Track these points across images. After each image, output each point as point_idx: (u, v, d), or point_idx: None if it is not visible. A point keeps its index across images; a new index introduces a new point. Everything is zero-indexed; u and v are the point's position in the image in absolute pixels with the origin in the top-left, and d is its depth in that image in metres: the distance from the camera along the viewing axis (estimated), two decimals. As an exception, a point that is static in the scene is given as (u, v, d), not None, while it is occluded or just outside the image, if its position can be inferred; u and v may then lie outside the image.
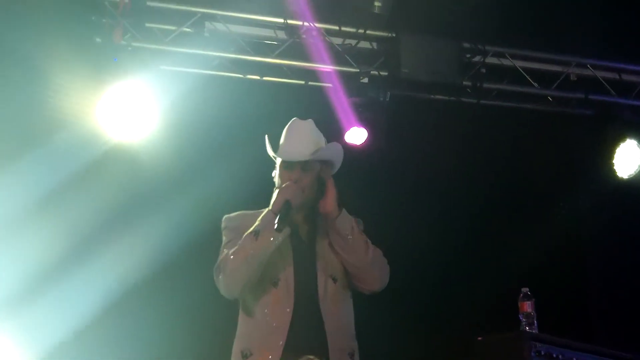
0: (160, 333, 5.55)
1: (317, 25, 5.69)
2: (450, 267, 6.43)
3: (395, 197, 6.35)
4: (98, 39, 5.23)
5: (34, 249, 5.30)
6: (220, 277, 3.27)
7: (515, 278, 4.92)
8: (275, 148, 3.47)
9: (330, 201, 3.29)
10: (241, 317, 3.35)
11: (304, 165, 3.37)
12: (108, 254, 5.51)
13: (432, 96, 5.99)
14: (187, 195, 5.65)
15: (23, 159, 5.21)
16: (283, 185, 3.31)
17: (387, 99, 5.84)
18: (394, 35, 5.75)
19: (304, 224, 3.43)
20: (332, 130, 5.86)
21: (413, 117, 6.11)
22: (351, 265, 3.29)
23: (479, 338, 4.28)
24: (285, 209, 3.20)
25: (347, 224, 3.28)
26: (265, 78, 5.74)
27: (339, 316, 3.27)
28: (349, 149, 5.89)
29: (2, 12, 4.98)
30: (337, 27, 5.77)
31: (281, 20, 5.61)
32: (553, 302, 5.08)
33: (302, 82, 5.84)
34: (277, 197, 3.26)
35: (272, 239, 3.18)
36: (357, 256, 3.26)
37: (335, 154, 3.47)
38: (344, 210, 3.32)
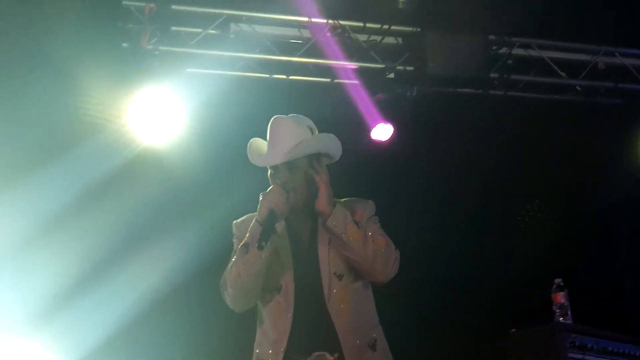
0: (193, 339, 5.58)
1: (342, 22, 5.70)
2: (482, 260, 6.41)
3: (422, 191, 6.35)
4: (125, 44, 5.28)
5: (64, 254, 5.35)
6: (224, 292, 3.25)
7: (548, 269, 4.90)
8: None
9: (321, 200, 3.16)
10: (257, 325, 3.32)
11: (289, 165, 3.21)
12: (138, 258, 5.55)
13: (459, 90, 5.97)
14: (216, 198, 5.68)
15: (54, 163, 5.28)
16: (267, 191, 3.18)
17: (414, 94, 5.84)
18: (419, 30, 5.73)
19: (304, 223, 3.30)
20: (359, 127, 5.90)
21: (440, 111, 6.10)
22: (352, 260, 3.19)
23: (513, 330, 4.27)
24: (269, 220, 3.09)
25: (340, 222, 3.14)
26: (291, 77, 5.75)
27: (350, 312, 3.18)
28: (375, 146, 5.93)
29: (32, 21, 5.05)
30: (361, 24, 5.77)
31: (305, 19, 5.62)
32: (586, 292, 5.05)
33: (328, 80, 5.85)
34: (260, 206, 3.14)
35: (260, 253, 3.10)
36: (355, 252, 3.15)
37: (321, 145, 3.27)
38: (337, 206, 3.18)
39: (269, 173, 3.29)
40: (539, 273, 5.35)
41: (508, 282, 6.12)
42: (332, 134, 3.32)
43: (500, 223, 6.50)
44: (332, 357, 3.11)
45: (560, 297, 4.27)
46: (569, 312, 4.24)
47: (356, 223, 3.19)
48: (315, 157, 3.25)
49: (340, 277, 3.20)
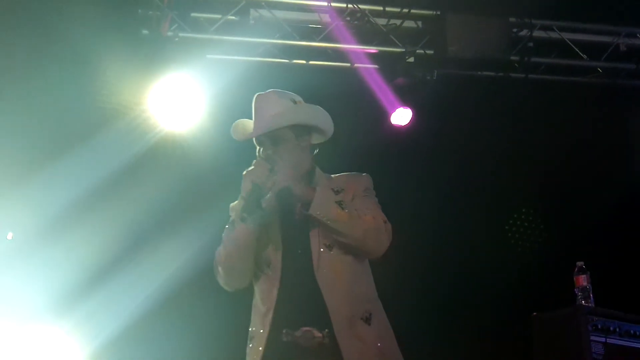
0: (216, 326, 5.61)
1: (361, 6, 5.69)
2: (502, 243, 6.41)
3: (443, 174, 6.35)
4: (145, 31, 5.31)
5: (85, 242, 5.40)
6: (216, 274, 3.20)
7: (570, 252, 4.88)
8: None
9: (295, 191, 3.06)
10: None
11: (273, 138, 3.13)
12: (159, 245, 5.58)
13: (480, 73, 5.95)
14: (236, 184, 5.69)
15: (75, 151, 5.33)
16: (250, 167, 3.11)
17: (434, 78, 5.82)
18: (438, 13, 5.71)
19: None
20: (379, 112, 5.89)
21: (460, 95, 6.08)
22: (342, 241, 3.10)
23: (534, 314, 4.26)
24: (252, 194, 3.02)
25: (324, 209, 3.03)
26: (311, 62, 5.76)
27: (340, 283, 3.04)
28: (395, 130, 5.92)
29: (51, 8, 5.09)
30: (381, 8, 5.75)
31: (325, 4, 5.61)
32: (608, 275, 5.03)
33: (348, 65, 5.84)
34: (244, 181, 3.09)
35: (245, 228, 3.05)
36: (343, 235, 3.05)
37: (302, 116, 3.16)
38: (317, 192, 3.04)
39: (257, 150, 3.22)
40: (561, 255, 5.34)
41: (529, 265, 6.12)
42: (318, 106, 3.23)
43: (521, 205, 6.49)
44: (320, 334, 2.99)
45: (582, 280, 4.25)
46: (591, 295, 4.22)
47: (340, 203, 3.08)
48: (305, 132, 3.17)
49: (330, 247, 3.08)
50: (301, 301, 3.05)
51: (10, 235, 5.45)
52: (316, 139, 3.28)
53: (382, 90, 5.86)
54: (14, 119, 5.31)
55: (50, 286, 5.26)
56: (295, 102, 3.20)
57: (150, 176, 5.55)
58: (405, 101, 5.93)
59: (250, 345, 3.12)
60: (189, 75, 5.35)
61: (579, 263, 4.31)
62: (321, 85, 5.62)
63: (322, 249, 3.08)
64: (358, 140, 5.87)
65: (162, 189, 5.60)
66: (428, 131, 6.17)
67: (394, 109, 5.96)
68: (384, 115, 5.97)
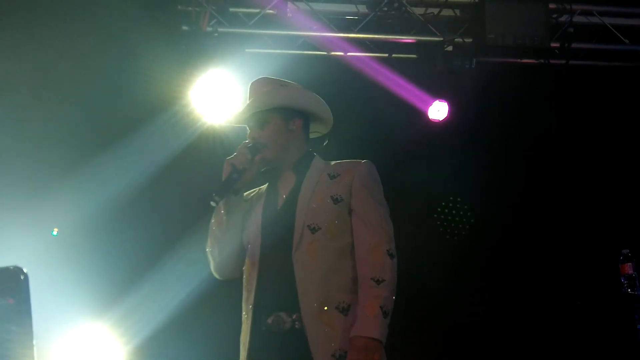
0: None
1: (398, -4, 5.68)
2: (548, 232, 6.37)
3: (485, 165, 6.33)
4: (185, 27, 5.37)
5: (131, 235, 5.47)
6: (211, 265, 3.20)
7: (616, 240, 4.85)
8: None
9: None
10: None
11: (259, 122, 3.10)
12: (204, 239, 5.62)
13: (520, 60, 5.90)
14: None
15: (119, 145, 5.40)
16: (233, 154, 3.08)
17: (473, 66, 5.80)
18: (477, 0, 5.68)
19: (287, 177, 3.13)
20: (417, 103, 5.90)
21: (499, 83, 6.04)
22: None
23: (579, 302, 4.25)
24: (230, 177, 2.99)
25: (373, 329, 2.86)
26: (349, 54, 5.76)
27: (316, 267, 2.92)
28: (432, 123, 5.91)
29: (95, 6, 5.16)
30: (418, -3, 5.74)
31: (362, -6, 5.62)
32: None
33: (386, 55, 5.83)
34: (225, 166, 3.04)
35: (221, 211, 3.05)
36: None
37: (284, 97, 3.13)
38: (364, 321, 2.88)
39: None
40: (607, 244, 5.29)
41: (575, 253, 6.08)
42: (309, 91, 3.19)
43: (566, 193, 6.44)
44: (290, 318, 2.92)
45: (628, 268, 4.20)
46: (638, 283, 4.18)
47: (334, 199, 3.00)
48: (292, 115, 3.12)
49: (313, 230, 2.96)
50: (275, 283, 2.97)
51: (55, 231, 5.54)
52: (317, 129, 3.25)
53: (419, 81, 5.87)
54: (57, 115, 5.39)
55: (94, 282, 5.33)
56: (282, 86, 3.17)
57: (192, 170, 5.60)
58: (443, 91, 5.92)
59: (241, 334, 3.06)
60: (229, 69, 5.39)
61: (625, 250, 4.27)
62: (359, 78, 5.65)
63: (304, 230, 2.97)
64: (396, 132, 5.88)
65: (203, 182, 5.63)
66: (467, 119, 6.15)
67: (431, 101, 5.97)
68: (422, 108, 5.97)
